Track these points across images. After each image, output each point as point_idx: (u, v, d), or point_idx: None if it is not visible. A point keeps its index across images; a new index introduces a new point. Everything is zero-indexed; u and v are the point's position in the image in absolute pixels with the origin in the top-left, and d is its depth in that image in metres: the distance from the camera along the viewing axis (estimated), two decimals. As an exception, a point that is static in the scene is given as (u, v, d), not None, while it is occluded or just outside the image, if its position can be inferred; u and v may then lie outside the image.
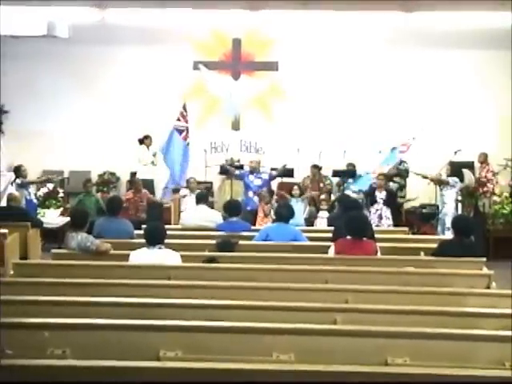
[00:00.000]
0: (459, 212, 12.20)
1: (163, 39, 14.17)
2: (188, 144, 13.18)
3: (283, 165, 12.49)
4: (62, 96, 14.73)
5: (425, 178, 12.34)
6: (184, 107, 13.16)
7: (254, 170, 12.06)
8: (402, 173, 13.26)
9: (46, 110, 14.74)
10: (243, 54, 15.00)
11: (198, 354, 4.48)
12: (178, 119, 13.07)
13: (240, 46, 14.97)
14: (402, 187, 13.37)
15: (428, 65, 14.43)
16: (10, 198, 10.88)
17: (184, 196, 11.85)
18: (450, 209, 11.76)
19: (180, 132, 13.01)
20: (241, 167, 13.34)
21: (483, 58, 14.20)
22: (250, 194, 11.86)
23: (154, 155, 13.65)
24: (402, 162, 13.20)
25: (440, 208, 12.13)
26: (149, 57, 14.65)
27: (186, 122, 13.18)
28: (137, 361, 4.09)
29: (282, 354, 4.51)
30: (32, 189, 12.51)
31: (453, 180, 12.02)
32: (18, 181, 12.13)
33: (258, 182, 11.90)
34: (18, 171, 12.28)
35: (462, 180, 12.27)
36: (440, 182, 12.13)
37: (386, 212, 11.78)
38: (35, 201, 12.59)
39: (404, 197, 13.47)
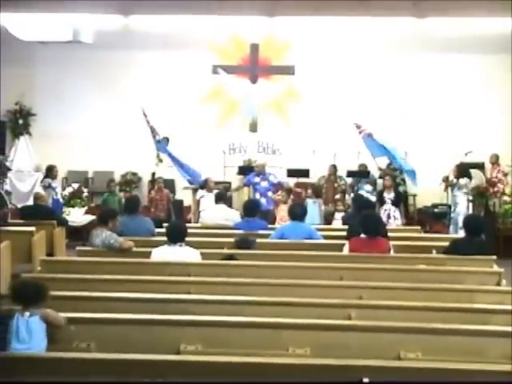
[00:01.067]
0: (471, 211, 12.12)
1: (184, 44, 14.23)
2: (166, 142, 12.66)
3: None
4: (86, 99, 14.81)
5: (448, 185, 12.26)
6: (144, 113, 12.73)
7: (260, 173, 12.02)
8: (393, 173, 13.20)
9: (71, 113, 14.82)
10: (260, 58, 15.00)
11: (217, 348, 4.50)
12: (152, 130, 12.67)
13: (257, 50, 14.97)
14: (399, 184, 13.29)
15: (437, 69, 14.37)
16: (37, 196, 10.94)
17: (202, 197, 11.85)
18: (462, 208, 11.69)
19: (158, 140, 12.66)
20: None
21: (491, 61, 14.14)
22: (257, 195, 11.81)
23: (158, 156, 13.60)
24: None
25: (452, 208, 12.06)
26: (170, 61, 14.70)
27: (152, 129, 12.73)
28: (158, 354, 4.10)
29: (298, 348, 4.52)
30: (59, 188, 12.56)
31: (466, 181, 11.95)
32: (45, 181, 12.17)
33: (265, 183, 11.88)
34: (50, 171, 12.29)
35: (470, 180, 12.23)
36: (455, 186, 12.04)
37: (395, 212, 11.80)
38: (61, 200, 12.64)
39: (405, 193, 13.37)
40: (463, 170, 12.09)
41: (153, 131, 12.67)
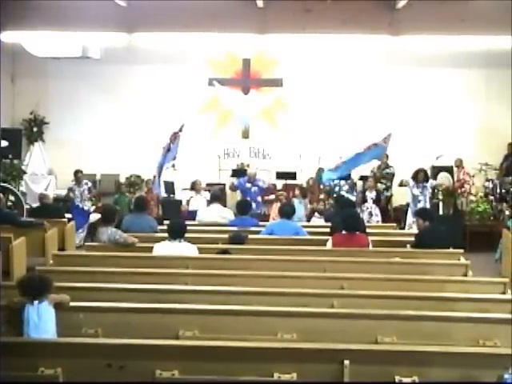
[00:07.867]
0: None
1: (182, 59, 14.27)
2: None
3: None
4: (94, 108, 14.79)
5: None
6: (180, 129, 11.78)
7: (251, 180, 12.02)
8: (387, 176, 13.24)
9: (80, 121, 14.80)
10: (252, 72, 14.99)
11: (212, 334, 4.50)
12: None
13: (249, 65, 14.97)
14: (388, 188, 13.31)
15: (414, 81, 14.38)
16: (42, 196, 10.87)
17: (191, 197, 11.83)
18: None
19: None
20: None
21: (463, 76, 14.19)
22: (248, 199, 11.76)
23: (174, 159, 13.50)
24: (388, 166, 13.17)
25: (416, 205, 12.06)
26: (170, 74, 14.67)
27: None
28: (159, 339, 4.10)
29: (286, 333, 4.53)
30: (85, 192, 12.34)
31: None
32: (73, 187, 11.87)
33: (255, 189, 11.89)
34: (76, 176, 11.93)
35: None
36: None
37: (376, 210, 11.82)
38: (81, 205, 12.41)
39: (390, 196, 13.39)
40: (435, 173, 12.24)
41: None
